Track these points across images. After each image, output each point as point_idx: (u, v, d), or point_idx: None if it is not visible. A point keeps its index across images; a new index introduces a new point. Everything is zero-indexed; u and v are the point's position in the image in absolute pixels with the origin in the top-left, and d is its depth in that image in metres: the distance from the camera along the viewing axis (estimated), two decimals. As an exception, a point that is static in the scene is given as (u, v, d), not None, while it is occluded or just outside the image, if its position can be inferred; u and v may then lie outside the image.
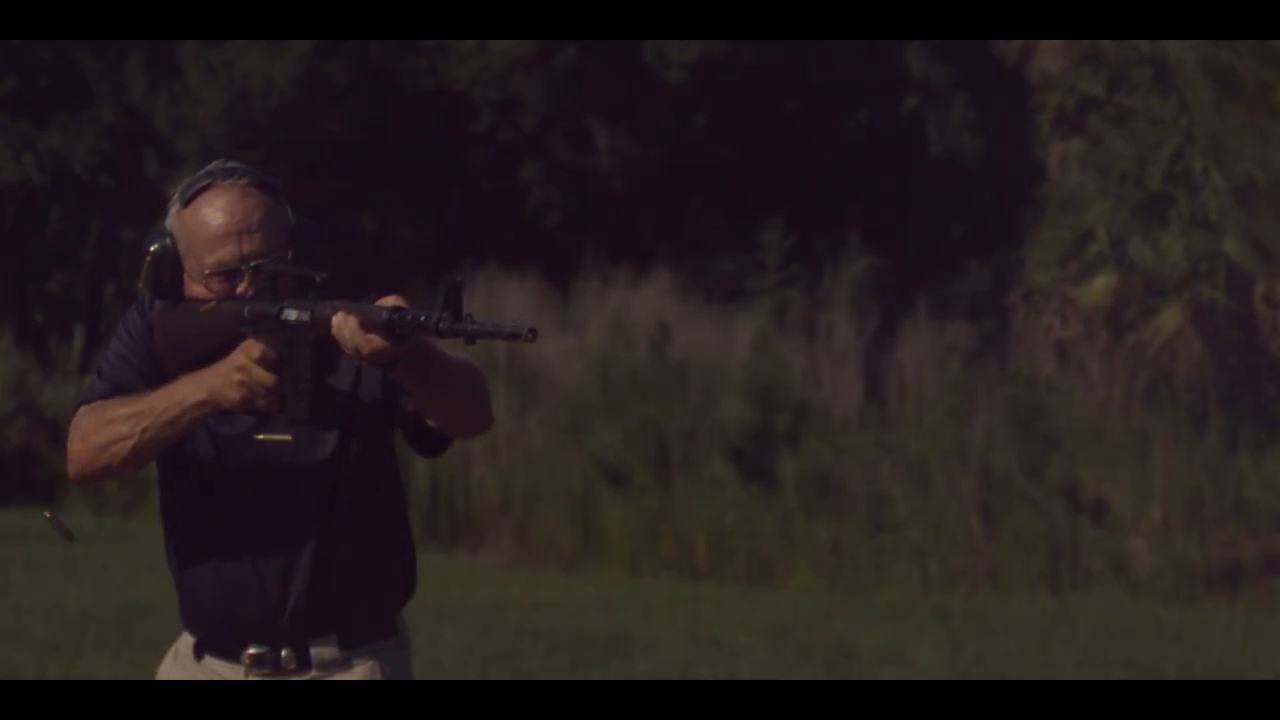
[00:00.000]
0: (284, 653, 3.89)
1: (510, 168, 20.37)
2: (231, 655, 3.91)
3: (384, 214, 20.63)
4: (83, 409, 3.85)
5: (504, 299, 16.64)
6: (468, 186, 20.70)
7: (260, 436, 3.84)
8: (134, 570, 12.59)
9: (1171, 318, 16.05)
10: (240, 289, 3.78)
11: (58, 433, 16.34)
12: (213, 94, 19.62)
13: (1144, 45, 16.75)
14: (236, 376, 3.70)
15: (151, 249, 3.86)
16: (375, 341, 3.59)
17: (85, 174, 20.29)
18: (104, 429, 3.78)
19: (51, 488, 16.37)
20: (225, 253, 3.79)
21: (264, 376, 3.69)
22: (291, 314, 3.71)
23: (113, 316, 20.04)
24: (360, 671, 3.92)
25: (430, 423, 3.81)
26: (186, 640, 3.99)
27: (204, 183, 3.83)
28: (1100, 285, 16.49)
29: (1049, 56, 18.33)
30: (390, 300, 3.62)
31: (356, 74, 20.05)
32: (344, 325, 3.61)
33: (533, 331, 3.50)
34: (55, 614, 11.01)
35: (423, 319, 3.55)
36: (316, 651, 3.90)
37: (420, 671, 4.08)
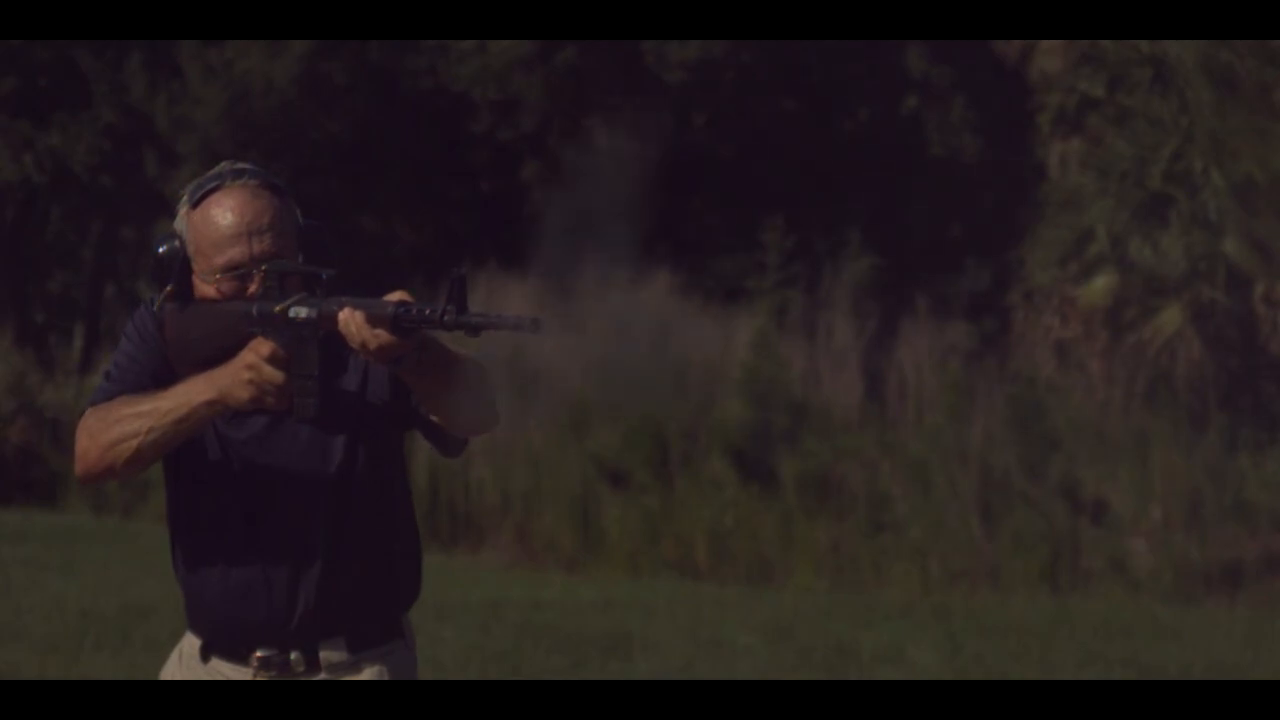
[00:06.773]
0: (292, 655, 3.88)
1: (510, 168, 20.36)
2: (239, 657, 3.90)
3: (384, 214, 20.62)
4: (91, 408, 3.84)
5: (504, 299, 16.62)
6: (468, 186, 20.69)
7: None
8: (134, 570, 12.58)
9: (1171, 318, 16.03)
10: (250, 289, 3.78)
11: (58, 433, 16.34)
12: (213, 94, 19.61)
13: (1144, 45, 16.74)
14: (246, 375, 3.69)
15: (160, 250, 3.86)
16: (382, 336, 3.59)
17: (85, 174, 20.28)
18: (113, 428, 3.77)
19: (52, 488, 16.36)
20: (235, 253, 3.79)
21: (273, 374, 3.68)
22: (299, 311, 3.71)
23: (113, 316, 20.04)
24: (369, 674, 3.91)
25: (436, 420, 3.81)
26: (192, 641, 3.98)
27: (213, 184, 3.82)
28: (1100, 285, 16.47)
29: (1049, 56, 18.33)
30: (396, 296, 3.62)
31: (356, 74, 20.04)
32: (351, 320, 3.61)
33: (536, 322, 3.50)
34: (55, 614, 10.99)
35: (428, 312, 3.56)
36: (325, 654, 3.89)
37: (420, 671, 4.08)
